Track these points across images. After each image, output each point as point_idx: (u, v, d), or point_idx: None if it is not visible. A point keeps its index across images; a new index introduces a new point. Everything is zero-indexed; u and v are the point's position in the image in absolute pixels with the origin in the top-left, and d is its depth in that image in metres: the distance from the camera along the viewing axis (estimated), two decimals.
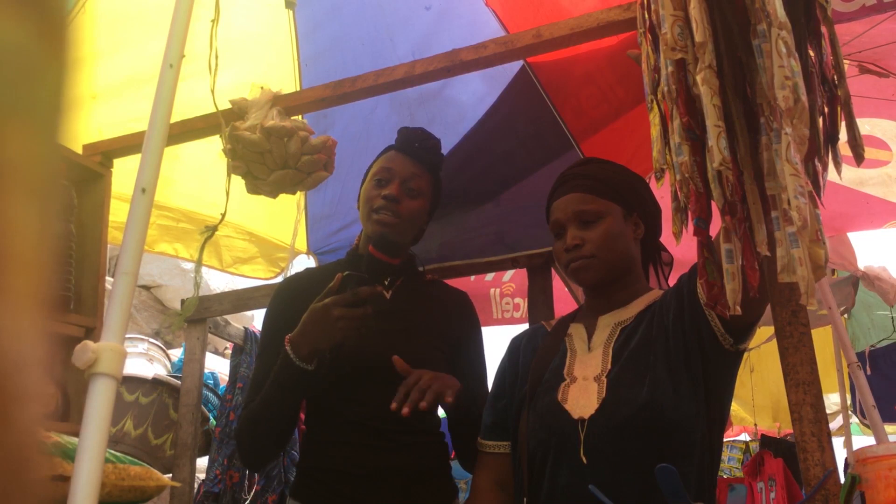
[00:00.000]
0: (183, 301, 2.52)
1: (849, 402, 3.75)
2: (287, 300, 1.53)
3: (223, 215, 1.65)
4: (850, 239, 3.32)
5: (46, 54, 0.21)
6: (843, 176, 1.14)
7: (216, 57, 1.63)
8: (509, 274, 3.60)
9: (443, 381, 1.34)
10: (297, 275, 1.66)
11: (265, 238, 2.75)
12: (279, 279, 2.79)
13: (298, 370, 1.32)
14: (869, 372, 3.64)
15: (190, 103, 1.80)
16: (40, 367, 0.20)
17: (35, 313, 0.20)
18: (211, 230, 1.68)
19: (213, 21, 1.65)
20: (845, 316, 4.06)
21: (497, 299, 3.71)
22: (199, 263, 1.69)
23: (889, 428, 4.00)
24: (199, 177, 2.43)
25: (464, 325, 1.59)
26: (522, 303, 3.64)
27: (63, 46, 0.22)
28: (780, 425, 5.49)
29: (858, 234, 3.31)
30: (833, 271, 3.66)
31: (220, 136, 1.68)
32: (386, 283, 1.56)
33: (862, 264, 3.42)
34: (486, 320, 3.59)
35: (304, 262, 2.81)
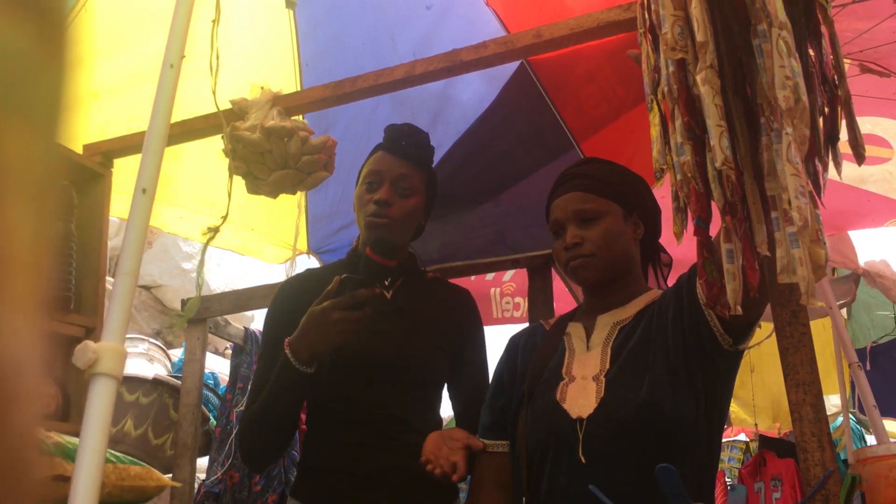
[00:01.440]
0: (183, 301, 2.53)
1: (848, 396, 3.75)
2: (288, 301, 1.53)
3: (224, 217, 1.65)
4: (850, 237, 3.32)
5: (45, 55, 0.21)
6: (844, 174, 1.14)
7: (217, 57, 1.63)
8: (510, 273, 3.60)
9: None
10: (298, 276, 1.66)
11: (267, 238, 2.75)
12: (282, 273, 2.80)
13: (298, 373, 1.33)
14: (868, 367, 3.63)
15: (190, 103, 1.80)
16: (37, 368, 0.20)
17: (32, 315, 0.20)
18: (213, 231, 1.68)
19: (213, 21, 1.65)
20: (845, 315, 4.06)
21: (497, 299, 3.71)
22: (201, 264, 1.69)
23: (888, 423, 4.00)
24: (201, 177, 2.43)
25: (465, 323, 1.59)
26: (523, 302, 3.64)
27: (62, 47, 0.22)
28: (779, 425, 5.49)
29: (859, 233, 3.31)
30: (833, 271, 3.65)
31: (223, 137, 1.68)
32: (387, 283, 1.55)
33: (863, 262, 3.42)
34: (486, 320, 3.58)
35: (305, 262, 2.81)
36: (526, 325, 1.58)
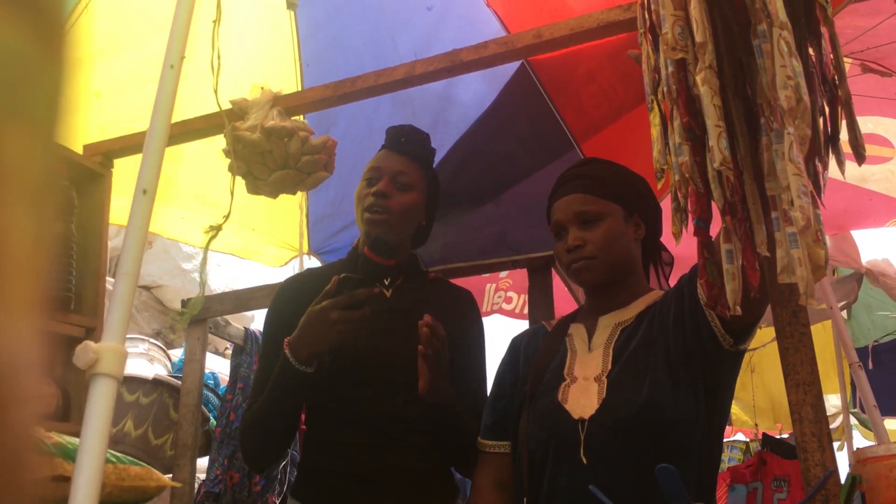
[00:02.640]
0: (184, 301, 2.53)
1: (849, 398, 3.74)
2: (287, 301, 1.53)
3: (226, 217, 1.65)
4: (853, 236, 3.32)
5: (44, 57, 0.21)
6: (846, 173, 1.14)
7: (218, 57, 1.63)
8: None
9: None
10: (298, 275, 1.66)
11: (267, 237, 2.76)
12: (283, 273, 2.81)
13: (298, 373, 1.33)
14: (871, 367, 3.63)
15: (190, 104, 1.80)
16: (36, 368, 0.20)
17: (31, 315, 0.20)
18: (215, 230, 1.68)
19: (214, 22, 1.65)
20: (845, 316, 4.06)
21: (491, 293, 3.75)
22: (203, 263, 1.69)
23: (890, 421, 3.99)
24: (202, 177, 2.43)
25: (465, 323, 1.59)
26: (515, 296, 3.70)
27: (60, 49, 0.22)
28: (780, 426, 5.49)
29: (861, 233, 3.31)
30: (833, 271, 3.65)
31: (225, 137, 1.68)
32: (387, 282, 1.55)
33: (865, 261, 3.41)
34: None
35: (306, 263, 2.82)
36: (517, 320, 1.58)
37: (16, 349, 0.19)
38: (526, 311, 3.71)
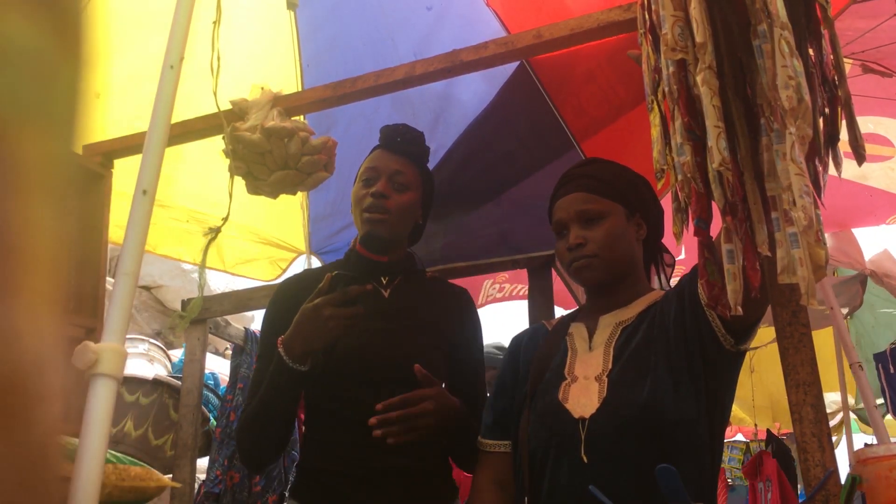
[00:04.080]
0: (184, 301, 2.53)
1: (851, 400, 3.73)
2: (284, 302, 1.53)
3: (225, 218, 1.65)
4: (855, 237, 3.31)
5: (61, 54, 0.21)
6: (846, 170, 1.14)
7: (218, 58, 1.64)
8: None
9: (438, 409, 1.36)
10: (294, 277, 1.66)
11: (267, 238, 2.75)
12: (280, 279, 2.80)
13: (292, 371, 1.33)
14: (893, 370, 3.62)
15: (190, 104, 1.80)
16: (58, 367, 0.20)
17: (51, 313, 0.20)
18: (214, 232, 1.68)
19: (214, 22, 1.65)
20: (848, 317, 4.04)
21: (487, 288, 3.77)
22: (202, 265, 1.69)
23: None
24: (202, 176, 2.43)
25: (463, 323, 1.59)
26: (508, 286, 3.74)
27: (77, 45, 0.22)
28: (779, 425, 5.49)
29: (863, 232, 3.31)
30: (833, 271, 3.65)
31: (223, 138, 1.68)
32: (384, 281, 1.55)
33: (868, 260, 3.40)
34: None
35: (306, 263, 2.82)
36: (506, 301, 1.57)
37: (39, 347, 0.19)
38: (516, 292, 3.75)
